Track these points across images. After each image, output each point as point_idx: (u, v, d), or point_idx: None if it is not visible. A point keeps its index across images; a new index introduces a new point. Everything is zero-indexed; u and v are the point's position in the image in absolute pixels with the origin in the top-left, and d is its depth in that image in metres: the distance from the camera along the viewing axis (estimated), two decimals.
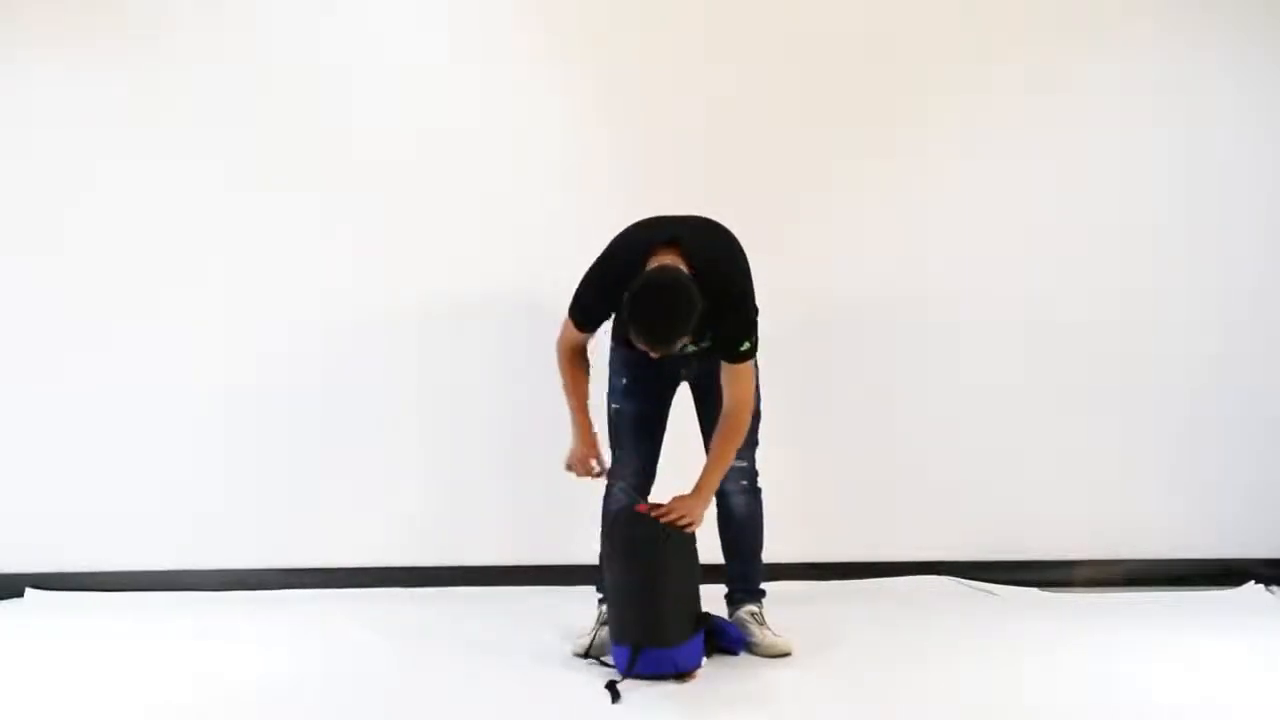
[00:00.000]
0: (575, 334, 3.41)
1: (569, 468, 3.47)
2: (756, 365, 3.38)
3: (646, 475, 3.51)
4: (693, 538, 3.30)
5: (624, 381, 3.49)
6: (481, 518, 4.27)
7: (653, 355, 3.17)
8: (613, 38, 4.28)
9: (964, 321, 4.30)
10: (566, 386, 3.46)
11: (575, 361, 3.45)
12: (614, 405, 3.50)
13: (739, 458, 3.46)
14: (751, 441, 3.46)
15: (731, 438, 3.32)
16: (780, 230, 4.13)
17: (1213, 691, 3.06)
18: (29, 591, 4.16)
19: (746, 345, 3.26)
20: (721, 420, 3.33)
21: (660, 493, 3.45)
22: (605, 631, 3.39)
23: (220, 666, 3.32)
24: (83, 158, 4.25)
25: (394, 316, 4.27)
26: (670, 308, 3.07)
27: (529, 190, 4.24)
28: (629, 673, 3.12)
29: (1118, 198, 4.31)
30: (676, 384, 3.53)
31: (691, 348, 3.28)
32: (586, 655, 3.34)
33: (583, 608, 3.57)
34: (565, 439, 3.55)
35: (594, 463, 3.46)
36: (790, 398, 3.91)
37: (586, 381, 3.46)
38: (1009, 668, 3.26)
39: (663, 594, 3.19)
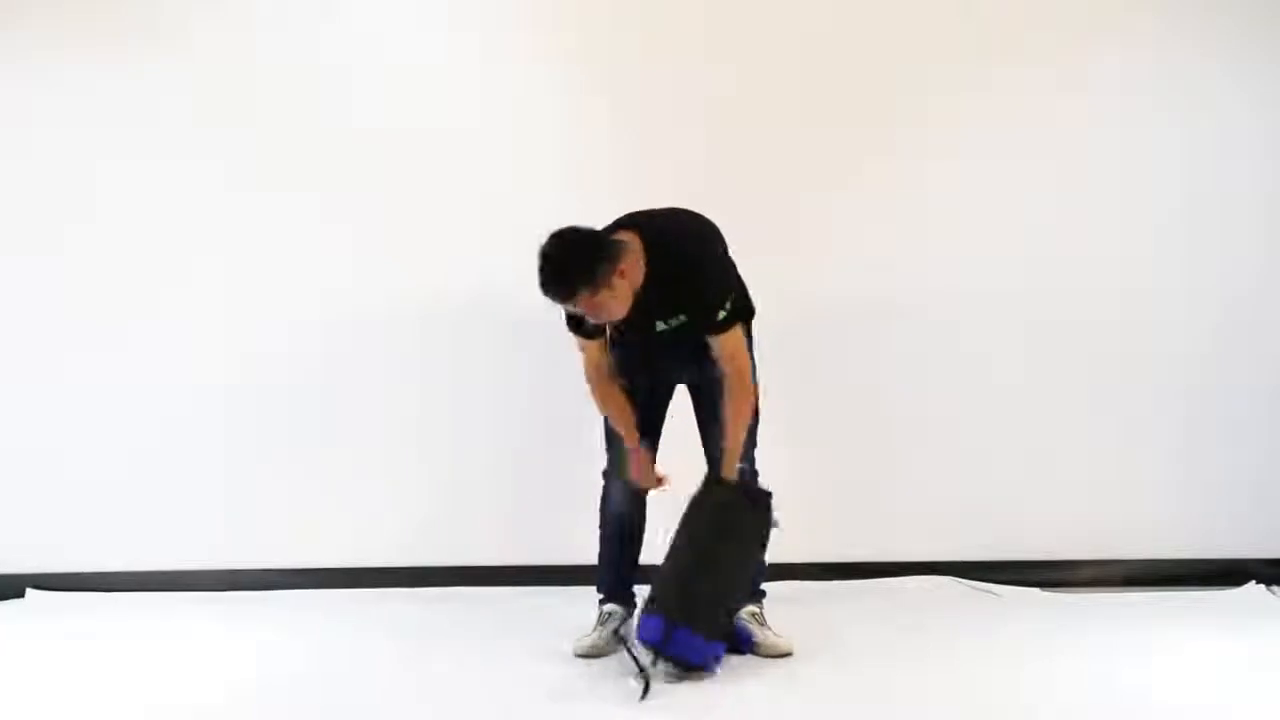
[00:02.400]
0: (586, 354, 3.37)
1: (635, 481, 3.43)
2: (751, 335, 3.37)
3: None
4: (763, 533, 3.31)
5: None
6: (481, 518, 4.27)
7: (588, 319, 3.16)
8: (613, 38, 4.27)
9: (964, 321, 4.30)
10: (602, 407, 3.41)
11: (603, 379, 3.38)
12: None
13: (743, 458, 3.43)
14: (751, 443, 3.45)
15: (738, 408, 3.28)
16: (779, 230, 4.13)
17: (1213, 691, 3.06)
18: (30, 592, 4.16)
19: (723, 313, 3.22)
20: (724, 393, 3.29)
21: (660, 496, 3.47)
22: (606, 632, 3.39)
23: (220, 666, 3.32)
24: (83, 158, 4.25)
25: (394, 316, 4.27)
26: (560, 256, 3.04)
27: (529, 190, 4.23)
28: (664, 645, 3.10)
29: (1118, 198, 4.31)
30: (672, 387, 3.51)
31: (662, 325, 3.23)
32: (613, 653, 3.34)
33: (583, 608, 3.57)
34: (565, 439, 3.55)
35: (655, 480, 3.42)
36: (790, 397, 3.91)
37: (620, 393, 3.39)
38: (1009, 668, 3.25)
39: (707, 576, 3.18)
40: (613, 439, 3.49)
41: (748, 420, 3.32)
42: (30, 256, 4.26)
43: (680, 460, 3.45)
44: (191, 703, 3.02)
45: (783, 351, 3.57)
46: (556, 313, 3.43)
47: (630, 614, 3.49)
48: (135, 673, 3.28)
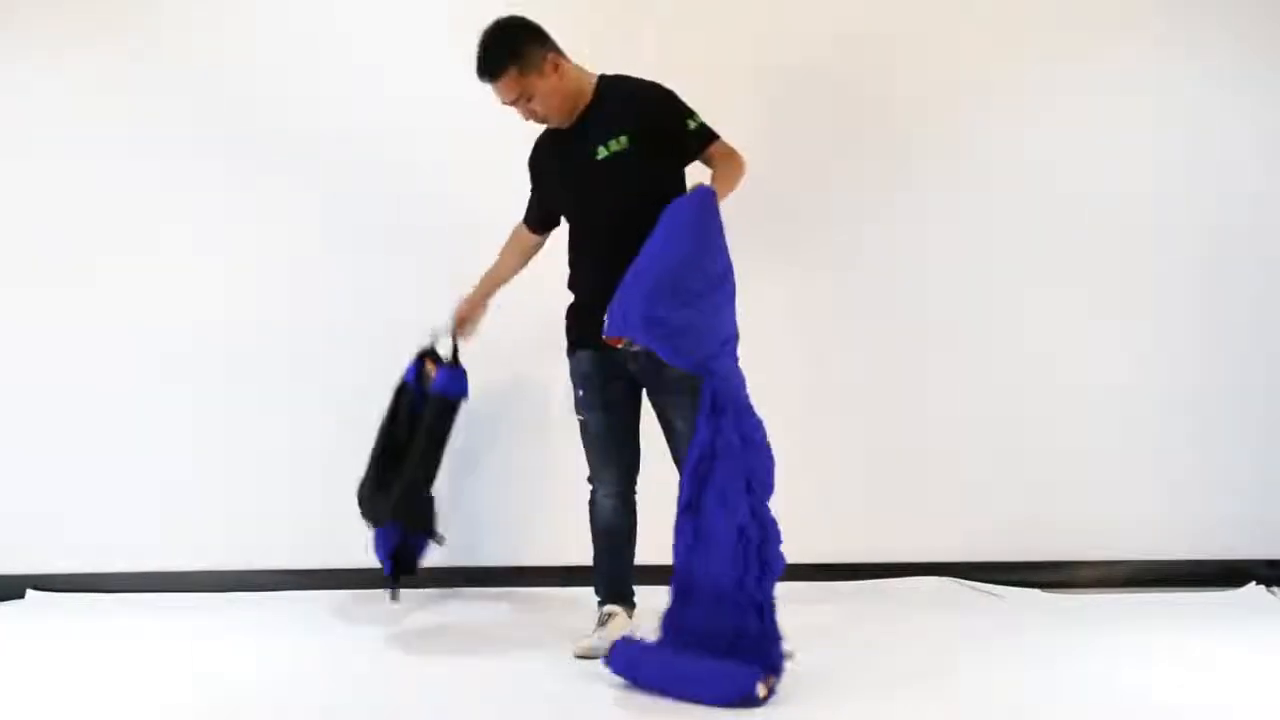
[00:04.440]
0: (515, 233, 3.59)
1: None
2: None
3: (625, 482, 3.46)
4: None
5: (580, 394, 3.44)
6: (482, 518, 4.27)
7: (523, 116, 3.26)
8: (615, 37, 4.27)
9: (964, 321, 4.30)
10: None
11: (509, 246, 3.62)
12: (579, 417, 3.46)
13: None
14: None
15: (731, 169, 3.26)
16: (779, 230, 4.13)
17: (1213, 692, 3.06)
18: (30, 593, 4.16)
19: (694, 122, 3.25)
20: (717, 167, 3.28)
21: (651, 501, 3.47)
22: (606, 632, 3.38)
23: (220, 666, 3.32)
24: (83, 158, 4.26)
25: (394, 316, 4.26)
26: (490, 35, 3.19)
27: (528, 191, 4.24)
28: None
29: (1119, 198, 4.31)
30: (632, 388, 3.41)
31: (603, 151, 3.22)
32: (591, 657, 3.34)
33: (583, 609, 3.57)
34: (565, 440, 3.55)
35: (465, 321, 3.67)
36: (790, 398, 3.91)
37: (509, 264, 3.64)
38: (1010, 668, 3.25)
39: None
40: (590, 452, 3.45)
41: (735, 180, 3.26)
42: (28, 256, 4.26)
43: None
44: (191, 703, 3.02)
45: (782, 351, 3.57)
46: (554, 311, 3.44)
47: (631, 614, 3.49)
48: (135, 673, 3.28)
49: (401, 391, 3.78)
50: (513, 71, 3.14)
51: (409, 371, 3.80)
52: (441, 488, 4.25)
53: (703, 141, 3.29)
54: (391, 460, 3.66)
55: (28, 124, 4.27)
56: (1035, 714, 2.91)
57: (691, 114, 3.27)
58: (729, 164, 3.28)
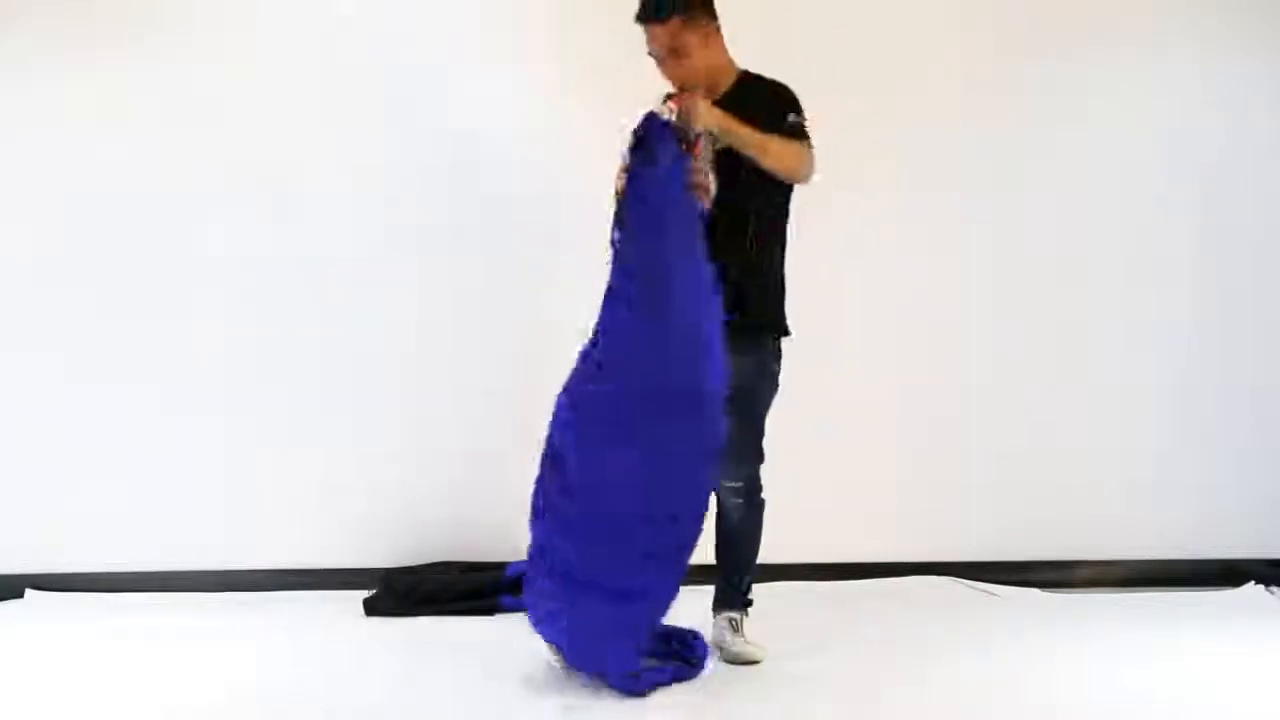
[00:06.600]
0: None
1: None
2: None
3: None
4: None
5: None
6: (482, 519, 4.26)
7: (662, 70, 3.19)
8: (612, 36, 4.27)
9: (964, 320, 4.30)
10: None
11: None
12: None
13: (735, 477, 3.32)
14: (755, 456, 3.37)
15: (784, 147, 3.16)
16: None
17: (1213, 692, 3.06)
18: (29, 592, 4.16)
19: (794, 117, 3.19)
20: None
21: None
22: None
23: (220, 666, 3.32)
24: (82, 158, 4.24)
25: (394, 318, 4.27)
26: None
27: (530, 191, 4.24)
28: None
29: (1118, 198, 4.31)
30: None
31: (720, 143, 3.11)
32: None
33: None
34: None
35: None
36: (790, 397, 3.90)
37: None
38: (1009, 668, 3.25)
39: None
40: None
41: (783, 159, 3.18)
42: (29, 255, 4.25)
43: None
44: (191, 703, 3.02)
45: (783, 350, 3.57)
46: (555, 311, 3.42)
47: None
48: (135, 673, 3.28)
49: None
50: (676, 22, 3.15)
51: None
52: (444, 487, 4.27)
53: (791, 134, 3.21)
54: None
55: (29, 125, 4.27)
56: (1035, 714, 2.91)
57: (796, 110, 3.25)
58: (790, 144, 3.20)
